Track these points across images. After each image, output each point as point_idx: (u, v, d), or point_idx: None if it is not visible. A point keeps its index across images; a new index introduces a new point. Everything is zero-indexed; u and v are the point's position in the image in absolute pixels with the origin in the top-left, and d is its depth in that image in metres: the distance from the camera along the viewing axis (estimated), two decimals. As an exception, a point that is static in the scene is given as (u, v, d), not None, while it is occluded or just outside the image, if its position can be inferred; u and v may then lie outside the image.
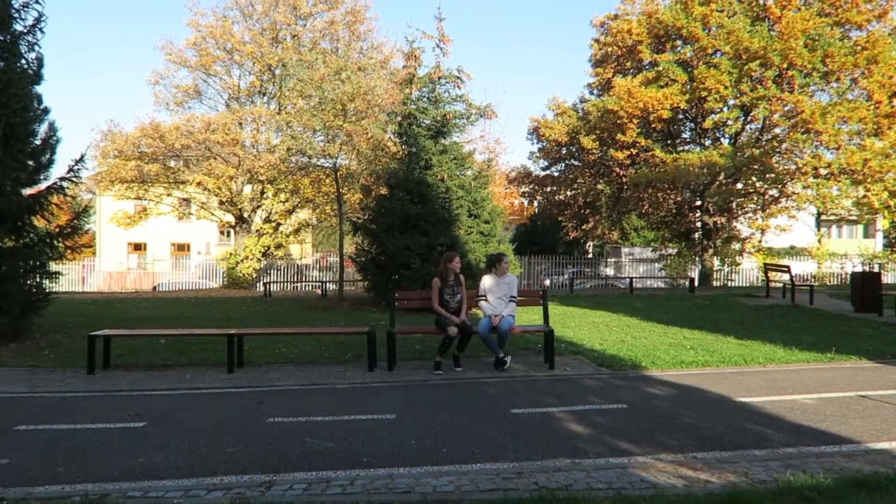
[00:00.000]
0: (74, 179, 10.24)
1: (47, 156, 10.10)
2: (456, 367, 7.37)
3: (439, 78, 15.19)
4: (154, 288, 29.09)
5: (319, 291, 20.26)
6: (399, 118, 15.45)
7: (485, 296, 7.60)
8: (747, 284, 25.60)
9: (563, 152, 28.44)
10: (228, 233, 33.46)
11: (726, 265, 26.24)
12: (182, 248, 39.59)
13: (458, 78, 15.38)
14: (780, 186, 23.27)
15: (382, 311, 13.10)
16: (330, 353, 8.38)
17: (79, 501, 3.57)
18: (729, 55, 21.72)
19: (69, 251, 10.45)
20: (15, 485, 3.87)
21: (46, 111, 10.12)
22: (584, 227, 31.21)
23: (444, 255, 7.68)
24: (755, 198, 24.74)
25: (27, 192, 9.87)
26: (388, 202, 14.40)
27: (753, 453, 4.37)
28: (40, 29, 9.82)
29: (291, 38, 24.86)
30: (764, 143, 23.35)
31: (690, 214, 27.40)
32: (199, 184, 24.83)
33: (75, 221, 10.39)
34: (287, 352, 8.51)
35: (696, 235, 27.00)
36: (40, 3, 9.75)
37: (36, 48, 9.89)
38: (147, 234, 35.27)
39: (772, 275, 18.14)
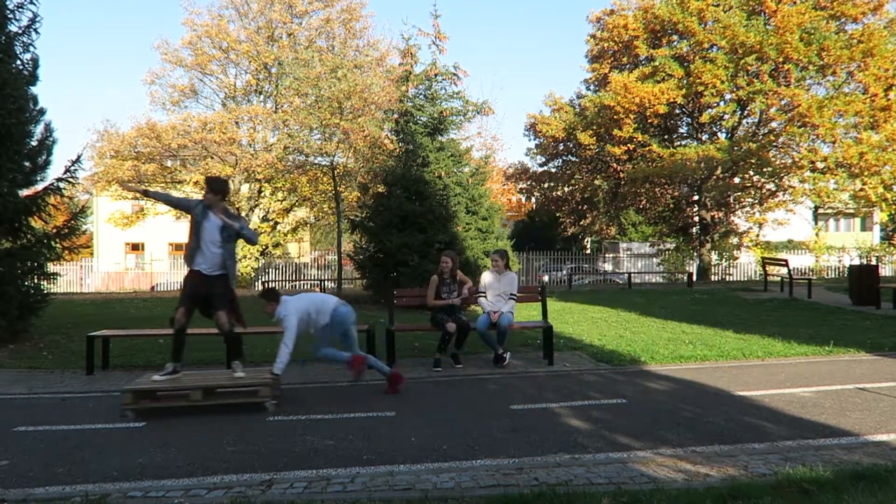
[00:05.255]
0: (71, 180, 10.22)
1: (44, 157, 10.08)
2: (455, 364, 7.38)
3: (436, 75, 15.18)
4: (152, 288, 29.04)
5: (318, 290, 20.25)
6: (396, 115, 15.44)
7: (484, 292, 7.61)
8: (745, 279, 25.64)
9: (561, 148, 28.45)
10: (226, 232, 33.36)
11: (724, 259, 26.28)
12: (180, 247, 39.47)
13: (455, 75, 15.37)
14: (777, 180, 23.31)
15: (381, 309, 13.10)
16: (329, 352, 8.37)
17: (79, 502, 3.57)
18: (725, 50, 21.74)
19: (67, 252, 10.43)
20: (15, 486, 3.86)
21: (42, 112, 10.09)
22: (581, 222, 31.24)
23: (442, 254, 7.72)
24: (752, 192, 24.79)
25: (24, 193, 9.84)
26: (385, 200, 14.39)
27: (753, 447, 4.38)
28: (35, 30, 9.79)
29: (287, 36, 24.80)
30: (761, 137, 23.38)
31: (688, 209, 27.42)
32: (196, 183, 24.77)
33: (73, 222, 10.36)
34: (286, 350, 8.49)
35: (694, 230, 27.04)
36: (35, 4, 9.72)
37: (31, 49, 9.87)
38: (145, 234, 35.20)
39: (770, 269, 18.17)
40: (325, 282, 20.67)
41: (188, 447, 4.56)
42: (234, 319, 6.01)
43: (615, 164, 26.65)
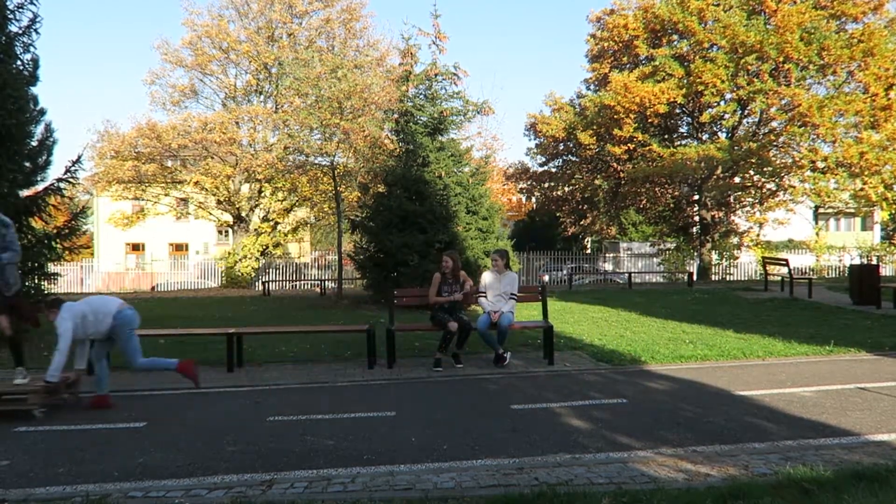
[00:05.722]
0: (71, 180, 10.23)
1: (44, 157, 10.08)
2: (456, 364, 7.38)
3: (436, 75, 15.18)
4: (152, 288, 29.07)
5: (318, 290, 20.26)
6: (396, 115, 15.43)
7: (485, 292, 7.61)
8: (746, 278, 25.64)
9: (561, 148, 28.45)
10: (226, 232, 33.43)
11: (724, 259, 26.29)
12: (180, 248, 39.54)
13: (455, 75, 15.37)
14: (777, 180, 23.31)
15: (381, 309, 13.10)
16: (329, 351, 8.39)
17: (80, 502, 3.57)
18: (725, 49, 21.73)
19: (67, 252, 10.44)
20: (15, 486, 3.87)
21: (42, 112, 10.10)
22: (582, 222, 31.23)
23: (443, 254, 7.74)
24: (753, 191, 24.79)
25: (24, 193, 9.84)
26: (385, 200, 14.39)
27: (753, 446, 4.37)
28: (35, 30, 9.79)
29: (287, 36, 24.82)
30: (761, 136, 23.38)
31: (688, 209, 27.43)
32: (196, 183, 24.80)
33: (73, 222, 10.37)
34: (287, 350, 8.51)
35: (695, 230, 27.04)
36: (35, 4, 9.72)
37: (31, 49, 9.87)
38: (145, 235, 35.23)
39: (770, 268, 18.17)
40: (326, 282, 20.66)
41: (188, 447, 4.56)
42: (26, 321, 6.00)
43: (615, 164, 26.64)
